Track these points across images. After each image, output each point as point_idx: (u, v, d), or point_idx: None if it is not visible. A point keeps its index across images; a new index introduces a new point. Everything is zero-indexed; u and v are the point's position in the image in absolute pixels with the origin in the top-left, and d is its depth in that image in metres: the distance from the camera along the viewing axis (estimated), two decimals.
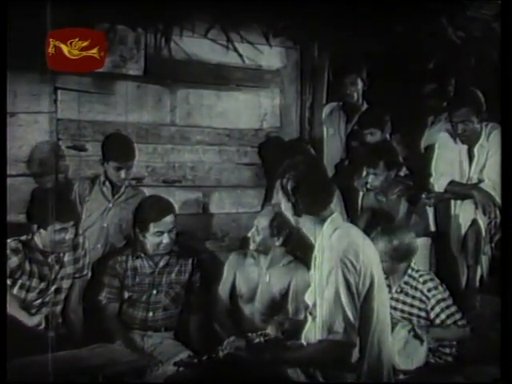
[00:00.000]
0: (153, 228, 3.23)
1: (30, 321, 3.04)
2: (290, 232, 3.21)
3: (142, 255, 3.29)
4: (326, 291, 2.25)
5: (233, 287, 3.37)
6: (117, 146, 3.53)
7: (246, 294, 3.32)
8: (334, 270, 2.24)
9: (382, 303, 2.36)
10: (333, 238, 2.32)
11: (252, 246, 3.29)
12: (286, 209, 2.41)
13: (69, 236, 3.12)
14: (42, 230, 3.09)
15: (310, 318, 2.40)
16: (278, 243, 3.25)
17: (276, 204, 3.42)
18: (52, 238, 3.09)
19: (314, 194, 2.36)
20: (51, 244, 3.10)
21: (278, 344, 2.50)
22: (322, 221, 2.36)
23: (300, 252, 3.30)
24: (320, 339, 2.26)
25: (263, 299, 3.28)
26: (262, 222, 3.25)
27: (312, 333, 2.36)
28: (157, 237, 3.23)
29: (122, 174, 3.50)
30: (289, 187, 2.36)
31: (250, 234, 3.29)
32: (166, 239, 3.24)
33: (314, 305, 2.35)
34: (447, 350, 3.21)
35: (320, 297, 2.30)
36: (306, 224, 2.40)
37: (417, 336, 3.09)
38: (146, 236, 3.25)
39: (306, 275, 3.20)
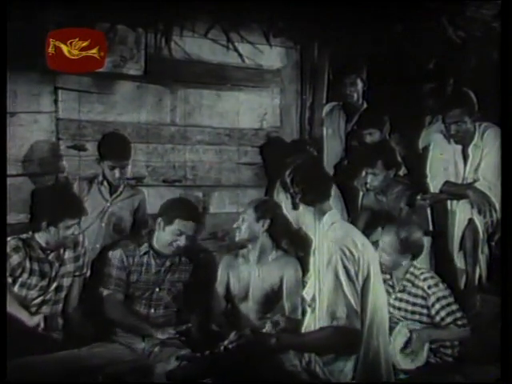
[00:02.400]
0: (176, 225, 3.17)
1: (30, 321, 3.03)
2: (274, 217, 3.20)
3: (151, 252, 3.26)
4: (326, 279, 2.27)
5: (227, 288, 3.37)
6: (112, 145, 3.52)
7: (239, 292, 3.33)
8: (334, 257, 2.27)
9: (378, 297, 2.37)
10: (330, 229, 2.36)
11: (238, 237, 3.29)
12: (287, 207, 2.44)
13: (76, 231, 3.13)
14: (51, 227, 3.08)
15: (309, 310, 2.42)
16: (262, 229, 3.24)
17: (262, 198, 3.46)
18: (62, 234, 3.08)
19: (311, 181, 2.40)
20: (61, 240, 3.10)
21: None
22: (322, 214, 2.38)
23: (290, 246, 3.33)
24: (323, 326, 2.28)
25: (256, 296, 3.29)
26: (248, 210, 3.27)
27: (313, 325, 2.37)
28: (174, 235, 3.17)
29: (117, 173, 3.49)
30: (288, 180, 2.40)
31: (235, 225, 3.29)
32: (181, 242, 3.18)
33: (313, 297, 2.36)
34: (448, 351, 3.21)
35: (321, 287, 2.31)
36: (305, 219, 2.41)
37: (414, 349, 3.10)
38: (166, 229, 3.18)
39: (297, 269, 3.22)
